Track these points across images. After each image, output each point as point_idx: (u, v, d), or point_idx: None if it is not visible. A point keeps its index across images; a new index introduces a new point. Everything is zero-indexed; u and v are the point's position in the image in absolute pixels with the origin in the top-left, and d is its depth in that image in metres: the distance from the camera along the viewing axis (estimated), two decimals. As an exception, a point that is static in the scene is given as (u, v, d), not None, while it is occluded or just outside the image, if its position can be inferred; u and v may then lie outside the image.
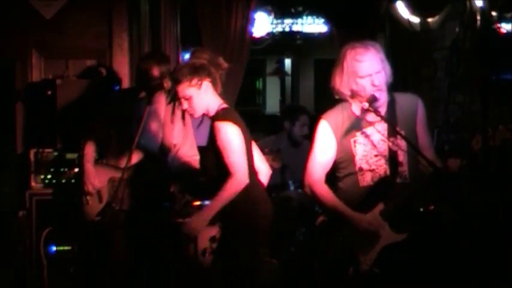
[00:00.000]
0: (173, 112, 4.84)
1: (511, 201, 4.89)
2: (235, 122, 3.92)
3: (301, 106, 6.60)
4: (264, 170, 4.18)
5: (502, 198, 4.87)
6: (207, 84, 3.95)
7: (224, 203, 3.85)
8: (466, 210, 5.02)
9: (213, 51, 4.14)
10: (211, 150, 3.95)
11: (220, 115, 3.94)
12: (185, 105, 3.97)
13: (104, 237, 4.76)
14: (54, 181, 5.34)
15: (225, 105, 4.00)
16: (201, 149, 4.59)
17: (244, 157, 3.90)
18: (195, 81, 3.92)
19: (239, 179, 3.85)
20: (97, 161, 4.89)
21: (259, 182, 4.07)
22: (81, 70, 5.77)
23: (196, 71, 3.93)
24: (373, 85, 3.71)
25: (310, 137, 5.71)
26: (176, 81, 3.96)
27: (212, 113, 3.98)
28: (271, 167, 4.40)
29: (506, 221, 4.85)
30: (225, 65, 4.02)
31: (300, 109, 6.12)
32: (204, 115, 4.03)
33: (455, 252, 4.97)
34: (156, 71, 4.68)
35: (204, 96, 3.95)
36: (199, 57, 3.98)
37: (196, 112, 3.98)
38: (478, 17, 5.95)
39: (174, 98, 4.06)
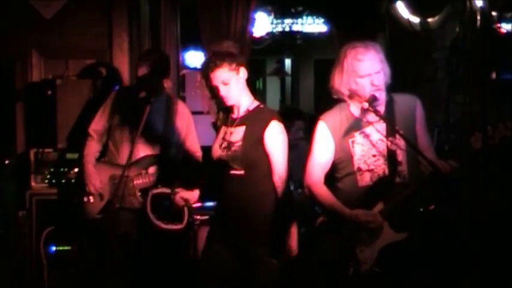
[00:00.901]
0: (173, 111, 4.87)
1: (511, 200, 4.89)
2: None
3: (297, 110, 6.53)
4: None
5: (501, 197, 4.87)
6: (244, 70, 3.94)
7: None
8: (466, 210, 5.02)
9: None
10: (249, 143, 3.92)
11: (275, 114, 3.98)
12: (223, 91, 3.90)
13: (104, 236, 4.77)
14: (54, 181, 5.34)
15: (256, 102, 4.02)
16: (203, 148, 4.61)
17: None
18: (234, 65, 3.89)
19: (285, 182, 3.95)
20: (97, 160, 4.90)
21: None
22: (81, 70, 5.77)
23: (234, 55, 3.91)
24: (373, 85, 3.71)
25: (306, 138, 5.73)
26: (216, 66, 3.88)
27: (245, 104, 3.97)
28: None
29: (506, 221, 4.85)
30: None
31: (296, 114, 6.08)
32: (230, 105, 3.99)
33: (455, 251, 4.97)
34: (152, 67, 4.71)
35: (241, 83, 3.95)
36: (231, 46, 3.96)
37: (231, 98, 3.93)
38: (478, 17, 5.95)
39: (209, 87, 4.00)
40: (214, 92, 3.95)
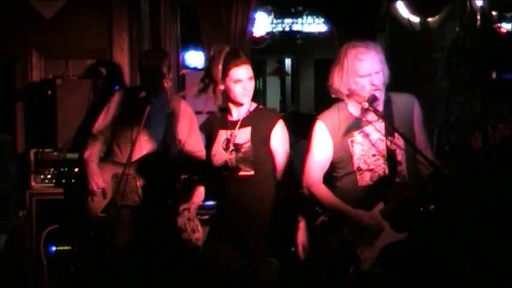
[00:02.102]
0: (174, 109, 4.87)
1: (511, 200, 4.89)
2: None
3: (299, 117, 6.39)
4: None
5: (501, 197, 4.87)
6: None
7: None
8: (466, 210, 5.02)
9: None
10: (258, 143, 3.95)
11: (279, 114, 4.08)
12: (248, 85, 3.94)
13: (106, 235, 4.77)
14: (54, 181, 5.34)
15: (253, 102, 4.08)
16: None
17: None
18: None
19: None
20: (101, 160, 4.91)
21: None
22: (81, 70, 5.77)
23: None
24: (373, 85, 3.72)
25: (304, 136, 5.72)
26: (243, 62, 3.94)
27: (247, 105, 4.00)
28: None
29: (505, 220, 4.85)
30: None
31: (300, 119, 6.02)
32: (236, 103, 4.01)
33: (455, 251, 4.97)
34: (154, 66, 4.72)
35: None
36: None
37: (250, 95, 3.99)
38: (478, 17, 5.95)
39: (204, 87, 4.04)
40: (231, 88, 3.94)
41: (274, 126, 3.96)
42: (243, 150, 3.95)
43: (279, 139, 3.97)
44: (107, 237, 4.78)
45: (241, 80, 3.92)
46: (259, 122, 3.96)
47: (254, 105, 4.04)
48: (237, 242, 3.97)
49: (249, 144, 3.94)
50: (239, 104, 3.98)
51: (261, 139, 3.95)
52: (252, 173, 3.94)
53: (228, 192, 4.00)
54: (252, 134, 3.96)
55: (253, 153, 3.94)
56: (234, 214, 3.99)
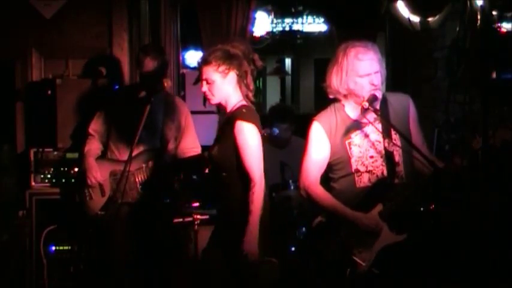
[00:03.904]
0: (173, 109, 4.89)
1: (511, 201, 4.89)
2: (257, 125, 3.87)
3: (283, 110, 6.28)
4: None
5: (502, 198, 4.87)
6: (233, 75, 3.87)
7: (259, 214, 3.76)
8: (467, 210, 5.02)
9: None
10: (223, 145, 3.90)
11: (245, 115, 3.85)
12: (205, 87, 3.88)
13: (105, 233, 4.78)
14: (54, 181, 5.34)
15: (244, 102, 3.92)
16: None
17: (261, 160, 3.86)
18: (222, 68, 3.84)
19: (260, 184, 3.79)
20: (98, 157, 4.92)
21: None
22: (81, 70, 5.77)
23: (228, 58, 3.86)
24: (372, 84, 3.71)
25: (298, 135, 5.71)
26: (205, 62, 3.87)
27: (230, 106, 3.91)
28: None
29: (505, 221, 4.85)
30: (260, 63, 3.96)
31: (280, 116, 5.95)
32: (220, 105, 3.96)
33: (455, 252, 4.97)
34: (153, 63, 4.73)
35: (226, 86, 3.88)
36: (236, 47, 3.90)
37: (214, 99, 3.91)
38: (479, 17, 5.94)
39: (198, 80, 3.97)
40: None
41: (234, 127, 3.84)
42: (212, 152, 3.97)
43: (239, 140, 3.82)
44: (106, 235, 4.79)
45: (201, 80, 3.91)
46: (227, 123, 3.92)
47: (240, 104, 3.91)
48: (219, 242, 3.96)
49: (217, 147, 3.94)
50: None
51: (226, 141, 3.90)
52: (224, 174, 3.90)
53: (214, 192, 4.03)
54: (221, 135, 3.96)
55: (219, 154, 3.90)
56: (217, 215, 4.03)
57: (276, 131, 5.65)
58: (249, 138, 3.81)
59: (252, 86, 3.93)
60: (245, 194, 3.79)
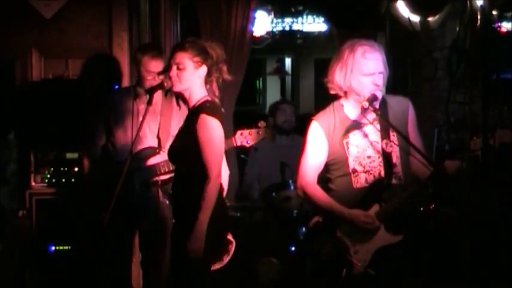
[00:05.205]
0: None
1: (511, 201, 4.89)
2: (221, 121, 3.84)
3: (283, 100, 6.50)
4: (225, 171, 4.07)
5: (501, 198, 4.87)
6: (204, 69, 3.87)
7: (210, 211, 3.72)
8: (466, 211, 5.02)
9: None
10: (184, 139, 3.88)
11: (209, 109, 3.82)
12: (174, 72, 3.86)
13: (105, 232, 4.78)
14: (54, 181, 5.34)
15: (209, 98, 3.89)
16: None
17: (221, 158, 3.84)
18: (197, 59, 3.84)
19: (215, 181, 3.74)
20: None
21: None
22: (81, 70, 5.76)
23: (204, 52, 3.86)
24: (375, 85, 3.71)
25: (299, 132, 5.72)
26: (181, 47, 3.87)
27: (194, 100, 3.88)
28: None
29: (505, 222, 4.85)
30: (226, 76, 3.93)
31: (281, 101, 6.00)
32: (181, 95, 3.94)
33: (454, 252, 4.97)
34: (152, 63, 4.70)
35: (195, 78, 3.86)
36: (213, 48, 3.90)
37: (179, 86, 3.87)
38: (479, 16, 5.94)
39: (167, 68, 3.96)
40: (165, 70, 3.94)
41: (197, 121, 3.80)
42: (173, 146, 4.03)
43: (200, 135, 3.78)
44: (105, 235, 4.79)
45: (171, 65, 3.90)
46: (190, 118, 3.91)
47: (204, 99, 3.89)
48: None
49: (178, 141, 3.96)
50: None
51: (186, 135, 3.88)
52: (182, 170, 3.91)
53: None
54: (181, 129, 3.98)
55: (178, 151, 3.91)
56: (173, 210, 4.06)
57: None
58: (212, 132, 3.78)
59: (217, 93, 3.92)
60: (201, 191, 3.74)
